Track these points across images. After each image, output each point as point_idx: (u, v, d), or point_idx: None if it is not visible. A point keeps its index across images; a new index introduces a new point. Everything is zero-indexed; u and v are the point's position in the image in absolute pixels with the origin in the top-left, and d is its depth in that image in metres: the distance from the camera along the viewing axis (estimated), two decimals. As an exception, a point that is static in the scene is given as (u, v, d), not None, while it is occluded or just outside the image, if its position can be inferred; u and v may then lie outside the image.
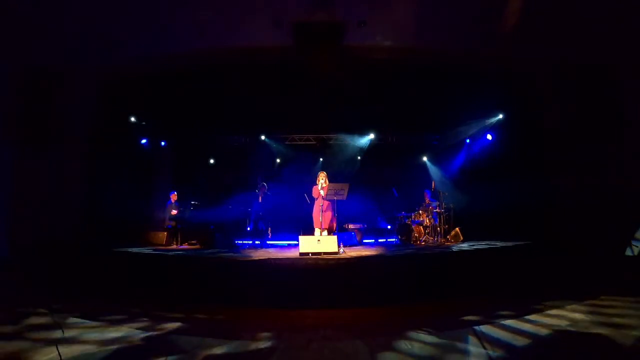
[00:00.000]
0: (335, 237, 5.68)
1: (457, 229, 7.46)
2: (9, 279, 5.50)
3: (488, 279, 4.99)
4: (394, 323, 3.75)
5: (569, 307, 3.97)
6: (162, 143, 10.12)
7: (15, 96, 6.03)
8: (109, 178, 7.11)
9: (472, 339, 3.15)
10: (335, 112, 8.69)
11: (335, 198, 6.44)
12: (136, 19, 5.59)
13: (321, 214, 6.55)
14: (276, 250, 6.67)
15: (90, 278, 5.22)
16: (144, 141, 9.28)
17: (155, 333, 3.41)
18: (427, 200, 7.95)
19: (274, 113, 8.64)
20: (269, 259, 5.12)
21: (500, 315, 3.82)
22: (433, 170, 10.48)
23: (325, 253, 5.34)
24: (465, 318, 3.78)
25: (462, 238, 7.31)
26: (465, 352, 2.88)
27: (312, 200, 6.92)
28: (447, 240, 7.40)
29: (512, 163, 7.90)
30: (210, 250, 6.53)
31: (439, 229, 7.59)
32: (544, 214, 6.80)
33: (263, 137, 10.32)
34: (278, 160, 11.02)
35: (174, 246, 7.26)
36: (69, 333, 3.30)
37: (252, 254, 5.77)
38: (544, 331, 3.26)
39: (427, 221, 7.80)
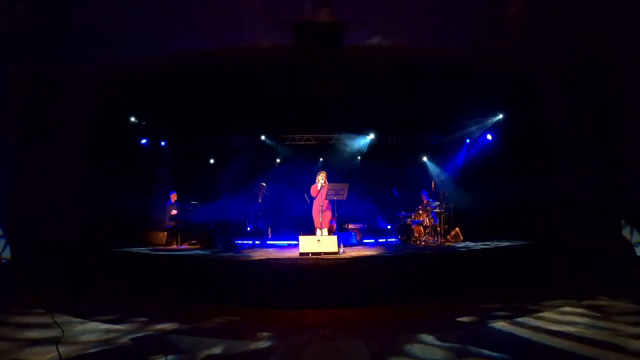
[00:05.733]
0: (335, 237, 5.68)
1: (457, 228, 7.46)
2: (8, 278, 5.51)
3: (489, 279, 4.99)
4: (395, 323, 3.75)
5: (568, 307, 3.97)
6: (162, 143, 10.12)
7: (15, 96, 6.03)
8: (109, 178, 7.11)
9: (472, 339, 3.15)
10: (335, 112, 8.69)
11: (335, 198, 6.44)
12: (136, 20, 5.59)
13: (321, 213, 6.55)
14: (276, 250, 6.67)
15: (90, 278, 5.22)
16: (144, 141, 9.29)
17: (155, 333, 3.41)
18: (424, 201, 7.95)
19: (274, 113, 8.65)
20: (269, 259, 5.12)
21: (500, 315, 3.82)
22: (433, 170, 10.49)
23: (325, 253, 5.34)
24: (466, 318, 3.78)
25: (462, 238, 7.31)
26: (465, 352, 2.88)
27: (312, 199, 6.93)
28: (447, 240, 7.40)
29: (511, 163, 7.91)
30: (210, 250, 6.53)
31: (439, 229, 7.59)
32: (545, 213, 6.81)
33: (263, 137, 10.33)
34: (278, 160, 11.03)
35: (174, 246, 7.26)
36: (69, 333, 3.30)
37: (252, 254, 5.77)
38: (542, 332, 3.26)
39: (427, 221, 7.79)
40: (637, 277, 5.23)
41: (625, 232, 5.76)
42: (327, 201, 6.65)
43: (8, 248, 5.86)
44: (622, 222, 5.79)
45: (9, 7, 5.02)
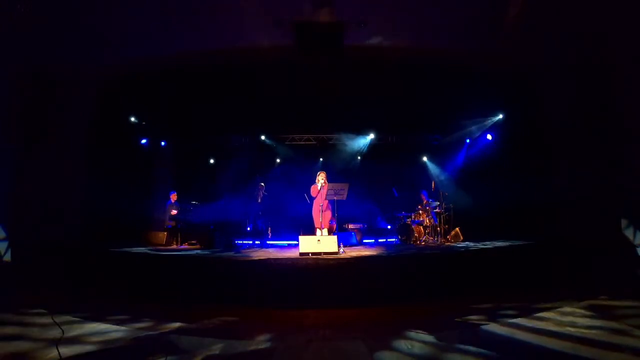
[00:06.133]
0: (335, 237, 5.68)
1: (457, 228, 7.46)
2: (9, 278, 5.50)
3: (489, 279, 4.99)
4: (395, 323, 3.75)
5: (568, 308, 3.97)
6: (162, 143, 10.13)
7: (15, 96, 6.03)
8: (109, 178, 7.11)
9: (472, 339, 3.15)
10: (335, 112, 8.69)
11: (335, 198, 6.44)
12: (136, 20, 5.59)
13: (321, 213, 6.56)
14: (276, 250, 6.67)
15: (90, 278, 5.22)
16: (144, 141, 9.29)
17: (155, 333, 3.41)
18: (424, 201, 7.95)
19: (274, 113, 8.65)
20: (269, 259, 5.12)
21: (500, 315, 3.82)
22: (433, 170, 10.49)
23: (325, 253, 5.34)
24: (466, 318, 3.78)
25: (462, 238, 7.31)
26: (465, 353, 2.87)
27: (312, 199, 6.93)
28: (447, 240, 7.40)
29: (511, 163, 7.91)
30: (210, 250, 6.53)
31: (439, 229, 7.59)
32: (545, 213, 6.81)
33: (263, 137, 10.33)
34: (278, 160, 11.03)
35: (174, 246, 7.26)
36: (69, 333, 3.30)
37: (252, 254, 5.77)
38: (542, 332, 3.26)
39: (427, 221, 7.80)
40: (637, 277, 5.22)
41: (628, 232, 5.74)
42: (327, 201, 6.65)
43: (9, 249, 5.86)
44: (626, 222, 5.77)
45: (9, 7, 5.02)
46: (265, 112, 8.59)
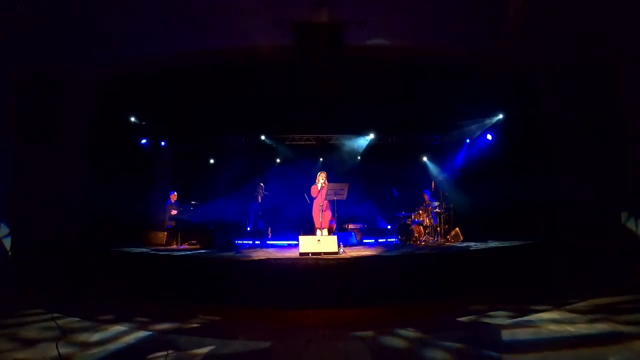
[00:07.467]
0: (335, 237, 5.68)
1: (457, 229, 7.46)
2: (9, 278, 5.50)
3: (489, 279, 4.98)
4: (395, 323, 3.74)
5: (568, 307, 3.96)
6: (162, 143, 10.13)
7: (15, 96, 6.03)
8: (109, 178, 7.12)
9: (472, 339, 3.15)
10: (335, 112, 8.69)
11: (335, 198, 6.44)
12: (136, 20, 5.59)
13: (321, 213, 6.56)
14: (276, 250, 6.67)
15: (90, 278, 5.22)
16: (144, 141, 9.29)
17: (155, 333, 3.41)
18: (427, 201, 7.95)
19: (274, 113, 8.65)
20: (269, 259, 5.12)
21: (500, 315, 3.82)
22: (433, 170, 10.49)
23: (325, 253, 5.34)
24: (465, 318, 3.78)
25: (462, 238, 7.30)
26: (465, 352, 2.88)
27: (312, 199, 6.93)
28: (447, 240, 7.40)
29: (511, 163, 7.91)
30: (210, 250, 6.53)
31: (439, 229, 7.59)
32: (545, 213, 6.81)
33: (263, 137, 10.33)
34: (278, 160, 11.03)
35: (174, 246, 7.25)
36: (68, 333, 3.30)
37: (252, 254, 5.77)
38: (542, 332, 3.26)
39: (427, 221, 7.79)
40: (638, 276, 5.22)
41: (630, 232, 5.73)
42: (327, 201, 6.65)
43: (9, 248, 5.86)
44: (627, 221, 5.77)
45: (9, 7, 5.02)
46: (265, 112, 8.59)
